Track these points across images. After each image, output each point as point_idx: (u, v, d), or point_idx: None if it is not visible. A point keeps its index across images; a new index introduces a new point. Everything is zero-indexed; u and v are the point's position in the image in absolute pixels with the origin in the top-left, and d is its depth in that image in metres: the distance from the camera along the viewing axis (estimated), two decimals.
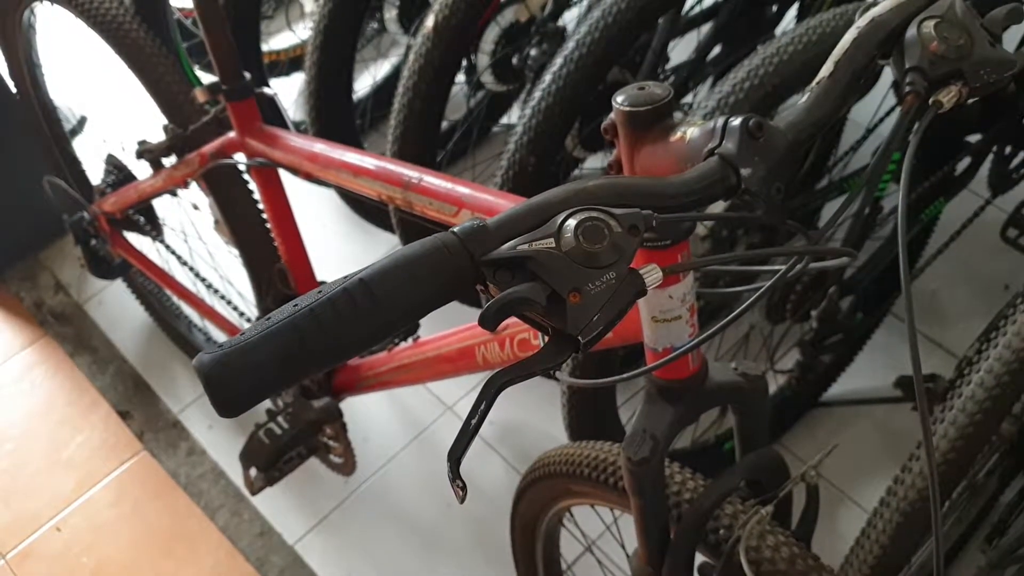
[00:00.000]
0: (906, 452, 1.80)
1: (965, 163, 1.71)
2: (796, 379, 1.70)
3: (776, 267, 0.80)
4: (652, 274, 0.58)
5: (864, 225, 1.52)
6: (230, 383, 0.51)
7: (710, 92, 1.26)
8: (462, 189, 1.00)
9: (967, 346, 1.99)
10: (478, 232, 0.56)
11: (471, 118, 2.20)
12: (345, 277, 0.55)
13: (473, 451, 1.87)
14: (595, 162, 1.98)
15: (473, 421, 0.54)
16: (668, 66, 1.83)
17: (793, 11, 1.97)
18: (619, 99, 0.74)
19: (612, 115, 0.76)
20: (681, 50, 1.95)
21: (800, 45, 1.25)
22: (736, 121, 0.65)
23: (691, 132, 0.69)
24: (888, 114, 1.70)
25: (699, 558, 0.94)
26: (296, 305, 0.53)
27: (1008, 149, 1.79)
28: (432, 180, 1.03)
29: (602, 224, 0.56)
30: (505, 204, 0.96)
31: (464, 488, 0.54)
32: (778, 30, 1.98)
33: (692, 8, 1.89)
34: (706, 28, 2.01)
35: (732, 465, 0.93)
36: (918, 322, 2.00)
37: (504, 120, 2.37)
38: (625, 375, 0.74)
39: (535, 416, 1.92)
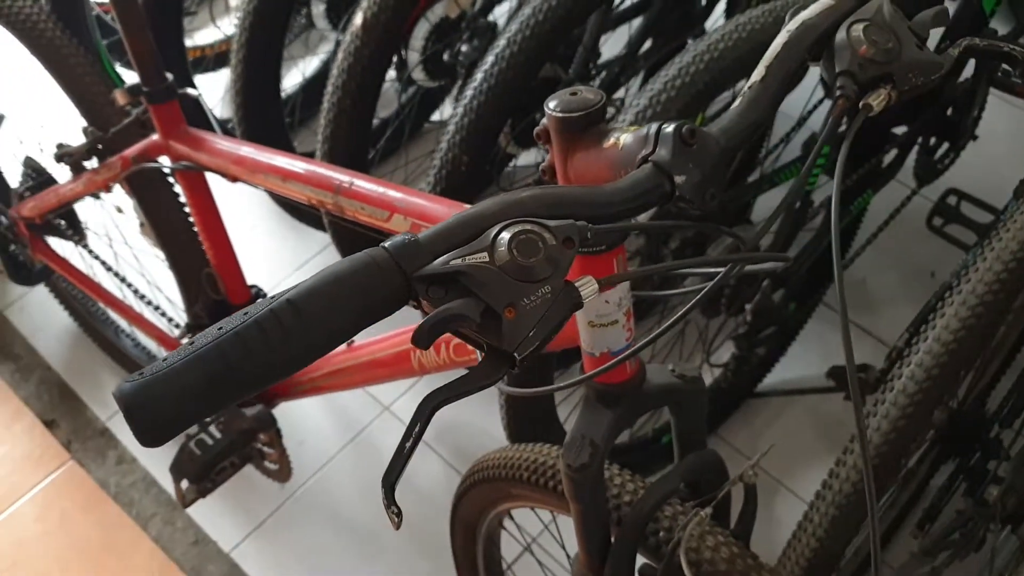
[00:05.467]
0: (839, 439, 1.84)
1: (892, 155, 1.74)
2: (732, 372, 1.72)
3: (713, 269, 0.79)
4: (588, 287, 0.57)
5: (796, 218, 1.53)
6: (153, 412, 0.49)
7: (641, 89, 1.25)
8: (394, 193, 0.98)
9: (897, 334, 2.04)
10: (410, 247, 0.55)
11: (403, 115, 2.17)
12: (273, 297, 0.53)
13: None
14: (529, 158, 1.97)
15: (408, 444, 0.53)
16: (600, 61, 1.83)
17: (722, 5, 1.99)
18: (551, 104, 0.73)
19: (545, 119, 0.75)
20: (612, 45, 1.95)
21: (731, 42, 1.25)
22: (669, 128, 0.65)
23: (624, 138, 0.69)
24: (818, 105, 1.72)
25: (640, 560, 0.95)
26: (221, 328, 0.52)
27: (932, 140, 1.83)
28: (363, 184, 1.01)
29: (536, 236, 0.55)
30: (438, 208, 0.95)
31: (399, 515, 0.53)
32: (708, 24, 1.99)
33: (622, 3, 1.89)
34: (636, 23, 2.02)
35: (671, 466, 0.93)
36: (849, 311, 2.04)
37: (436, 116, 2.34)
38: (563, 384, 0.74)
39: (474, 415, 1.91)
